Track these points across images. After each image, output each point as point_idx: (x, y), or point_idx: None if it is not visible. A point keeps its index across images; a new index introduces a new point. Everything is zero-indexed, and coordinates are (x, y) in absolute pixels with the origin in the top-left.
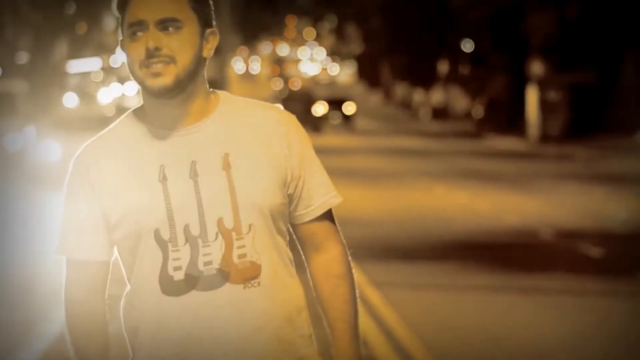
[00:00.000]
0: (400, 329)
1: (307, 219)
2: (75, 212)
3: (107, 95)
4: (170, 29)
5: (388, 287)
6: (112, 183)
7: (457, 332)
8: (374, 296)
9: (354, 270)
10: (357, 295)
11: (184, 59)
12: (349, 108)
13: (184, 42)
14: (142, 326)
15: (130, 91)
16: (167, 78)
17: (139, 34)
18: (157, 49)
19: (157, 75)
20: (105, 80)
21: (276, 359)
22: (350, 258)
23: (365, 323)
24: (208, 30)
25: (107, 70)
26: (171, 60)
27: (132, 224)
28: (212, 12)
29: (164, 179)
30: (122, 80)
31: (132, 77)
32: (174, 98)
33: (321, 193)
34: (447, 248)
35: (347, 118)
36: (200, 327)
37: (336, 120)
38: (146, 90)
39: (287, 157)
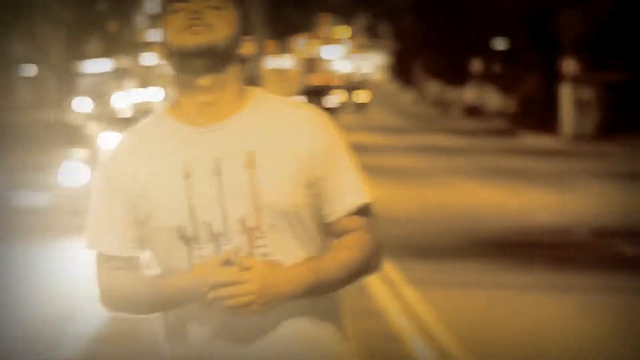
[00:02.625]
0: (438, 327)
1: (333, 219)
2: (103, 208)
3: (126, 99)
4: (212, 5)
5: (424, 285)
6: (139, 179)
7: (495, 330)
8: (411, 294)
9: (374, 265)
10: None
11: (222, 32)
12: (361, 96)
13: (223, 19)
14: (169, 323)
15: (154, 97)
16: (203, 37)
17: (182, 5)
18: (197, 11)
19: (194, 33)
20: (124, 83)
21: (298, 356)
22: (376, 255)
23: (402, 321)
24: (246, 37)
25: (127, 71)
26: (209, 26)
27: (157, 221)
28: (251, 27)
29: (187, 177)
30: (144, 85)
31: (164, 57)
32: (206, 75)
33: (347, 193)
34: (481, 246)
35: (360, 106)
36: (222, 324)
37: (350, 108)
38: (182, 55)
39: (312, 156)
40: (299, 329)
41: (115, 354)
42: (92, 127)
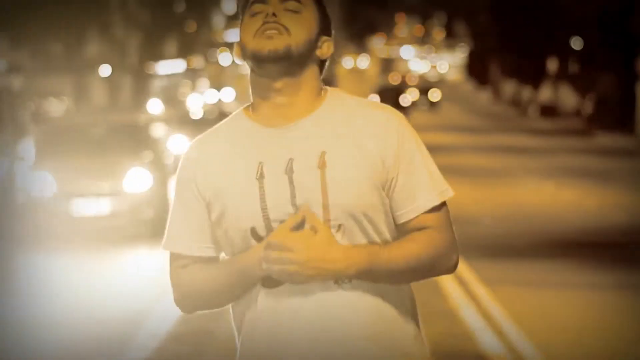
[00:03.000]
0: (510, 326)
1: (406, 219)
2: (181, 209)
3: (198, 100)
4: (290, 8)
5: (498, 285)
6: (215, 180)
7: (568, 331)
8: (483, 294)
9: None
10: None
11: (298, 35)
12: (434, 95)
13: (300, 22)
14: (245, 320)
15: (226, 98)
16: (278, 42)
17: (260, 8)
18: (274, 14)
19: (269, 37)
20: (197, 84)
21: (370, 356)
22: (449, 255)
23: (476, 321)
24: (324, 37)
25: (200, 72)
26: (285, 29)
27: (231, 221)
28: (332, 27)
29: (261, 177)
30: (217, 86)
31: (241, 58)
32: (282, 78)
33: (420, 193)
34: (557, 246)
35: (433, 104)
36: (292, 319)
37: (424, 106)
38: (257, 59)
39: (384, 157)
40: (372, 324)
41: (188, 353)
42: (160, 130)
